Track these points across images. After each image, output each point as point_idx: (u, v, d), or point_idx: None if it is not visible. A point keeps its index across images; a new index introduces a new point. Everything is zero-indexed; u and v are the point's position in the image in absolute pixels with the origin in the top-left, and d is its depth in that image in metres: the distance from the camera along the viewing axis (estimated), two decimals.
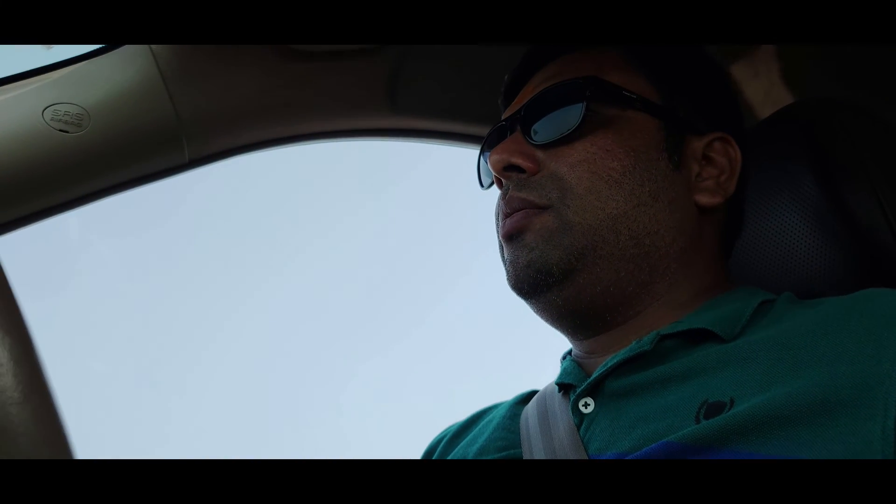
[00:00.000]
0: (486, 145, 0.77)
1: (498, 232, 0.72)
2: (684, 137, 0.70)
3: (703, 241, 0.69)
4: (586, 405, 0.62)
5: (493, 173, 0.69)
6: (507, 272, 0.69)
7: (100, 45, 0.80)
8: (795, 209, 0.74)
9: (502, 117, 0.75)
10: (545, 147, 0.68)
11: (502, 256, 0.71)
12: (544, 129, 0.68)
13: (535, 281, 0.66)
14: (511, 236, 0.67)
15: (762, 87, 0.96)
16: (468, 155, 1.02)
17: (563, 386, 0.68)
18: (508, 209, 0.68)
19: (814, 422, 0.49)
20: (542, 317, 0.71)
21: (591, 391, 0.63)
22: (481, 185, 0.79)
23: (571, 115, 0.67)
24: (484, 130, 0.98)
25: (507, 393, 0.81)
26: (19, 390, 0.31)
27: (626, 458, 0.55)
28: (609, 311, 0.67)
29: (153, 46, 0.81)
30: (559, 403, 0.66)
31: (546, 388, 0.71)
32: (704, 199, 0.69)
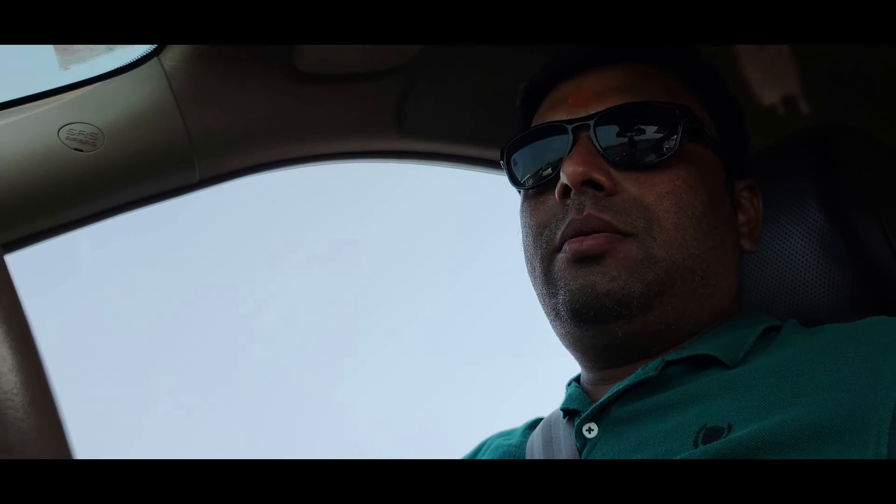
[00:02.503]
0: (524, 140, 0.70)
1: (534, 242, 0.67)
2: (733, 181, 0.70)
3: (738, 283, 0.70)
4: (590, 430, 0.62)
5: (565, 183, 0.63)
6: (570, 293, 0.63)
7: (115, 67, 0.82)
8: (800, 235, 0.75)
9: (552, 117, 0.69)
10: (623, 168, 0.64)
11: (542, 269, 0.67)
12: (625, 149, 0.64)
13: (608, 310, 0.62)
14: (587, 258, 0.63)
15: (769, 109, 0.96)
16: (475, 178, 1.03)
17: (568, 412, 0.67)
18: (586, 228, 0.63)
19: (807, 448, 0.50)
20: (578, 342, 0.67)
21: (596, 417, 0.63)
22: (516, 183, 0.72)
23: (664, 143, 0.64)
24: (493, 153, 0.99)
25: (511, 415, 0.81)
26: (22, 397, 0.31)
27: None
28: (656, 346, 0.65)
29: (166, 68, 0.83)
30: (563, 429, 0.66)
31: (551, 415, 0.71)
32: (748, 245, 0.70)
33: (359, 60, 0.86)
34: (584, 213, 0.63)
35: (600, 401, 0.63)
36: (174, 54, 0.83)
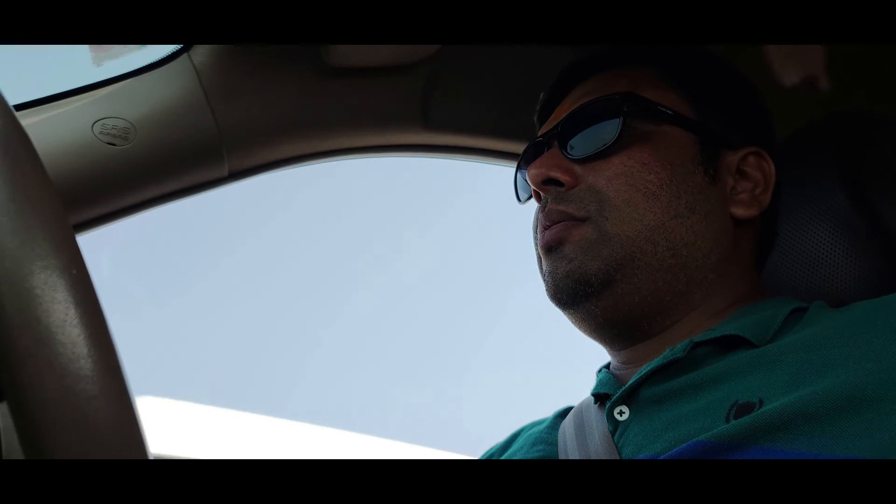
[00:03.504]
0: (523, 161, 0.78)
1: (536, 244, 0.73)
2: (719, 151, 0.71)
3: (738, 252, 0.71)
4: (621, 413, 0.63)
5: (532, 187, 0.71)
6: (546, 283, 0.70)
7: (146, 63, 0.83)
8: (825, 221, 0.75)
9: (538, 134, 0.77)
10: (583, 161, 0.69)
11: (540, 268, 0.73)
12: (582, 144, 0.70)
13: (574, 291, 0.67)
14: (550, 248, 0.69)
15: (791, 97, 0.97)
16: (500, 171, 1.04)
17: (599, 396, 0.69)
18: (547, 221, 0.69)
19: (839, 418, 0.50)
20: (580, 327, 0.72)
21: (626, 399, 0.64)
22: (518, 199, 0.81)
23: (608, 130, 0.68)
24: (516, 147, 1.00)
25: (540, 405, 0.82)
26: (97, 379, 0.32)
27: (658, 459, 0.57)
28: (646, 320, 0.68)
29: (196, 63, 0.84)
30: (595, 413, 0.67)
31: (583, 402, 0.73)
32: (740, 211, 0.70)
33: (384, 54, 0.87)
34: (546, 209, 0.69)
35: (629, 383, 0.64)
36: (203, 50, 0.84)
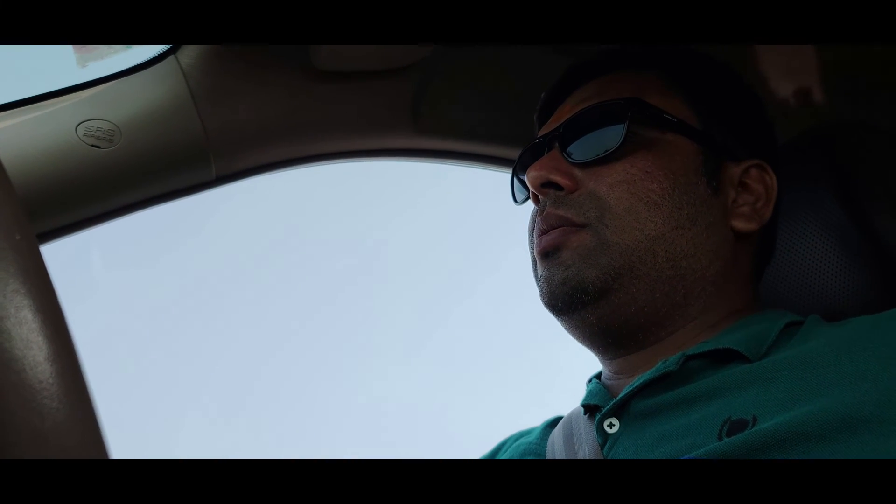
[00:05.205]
0: (520, 163, 0.77)
1: (532, 248, 0.72)
2: (722, 163, 0.70)
3: (737, 265, 0.70)
4: (611, 425, 0.62)
5: (531, 189, 0.69)
6: (542, 289, 0.69)
7: (133, 64, 0.82)
8: (819, 232, 0.74)
9: (538, 135, 0.75)
10: (584, 166, 0.68)
11: (535, 273, 0.71)
12: (584, 148, 0.68)
13: (570, 299, 0.66)
14: (547, 253, 0.67)
15: (786, 107, 0.96)
16: (491, 177, 1.03)
17: (589, 407, 0.68)
18: (545, 226, 0.68)
19: (836, 438, 0.49)
20: (573, 334, 0.70)
21: (617, 411, 0.63)
22: (515, 200, 0.79)
23: (612, 136, 0.67)
24: (506, 152, 0.99)
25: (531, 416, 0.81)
26: (57, 387, 0.30)
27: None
28: (642, 330, 0.67)
29: (183, 65, 0.83)
30: (584, 425, 0.66)
31: (572, 412, 0.72)
32: (741, 224, 0.69)
33: (375, 57, 0.86)
34: (545, 213, 0.68)
35: (620, 395, 0.63)
36: (191, 52, 0.83)
